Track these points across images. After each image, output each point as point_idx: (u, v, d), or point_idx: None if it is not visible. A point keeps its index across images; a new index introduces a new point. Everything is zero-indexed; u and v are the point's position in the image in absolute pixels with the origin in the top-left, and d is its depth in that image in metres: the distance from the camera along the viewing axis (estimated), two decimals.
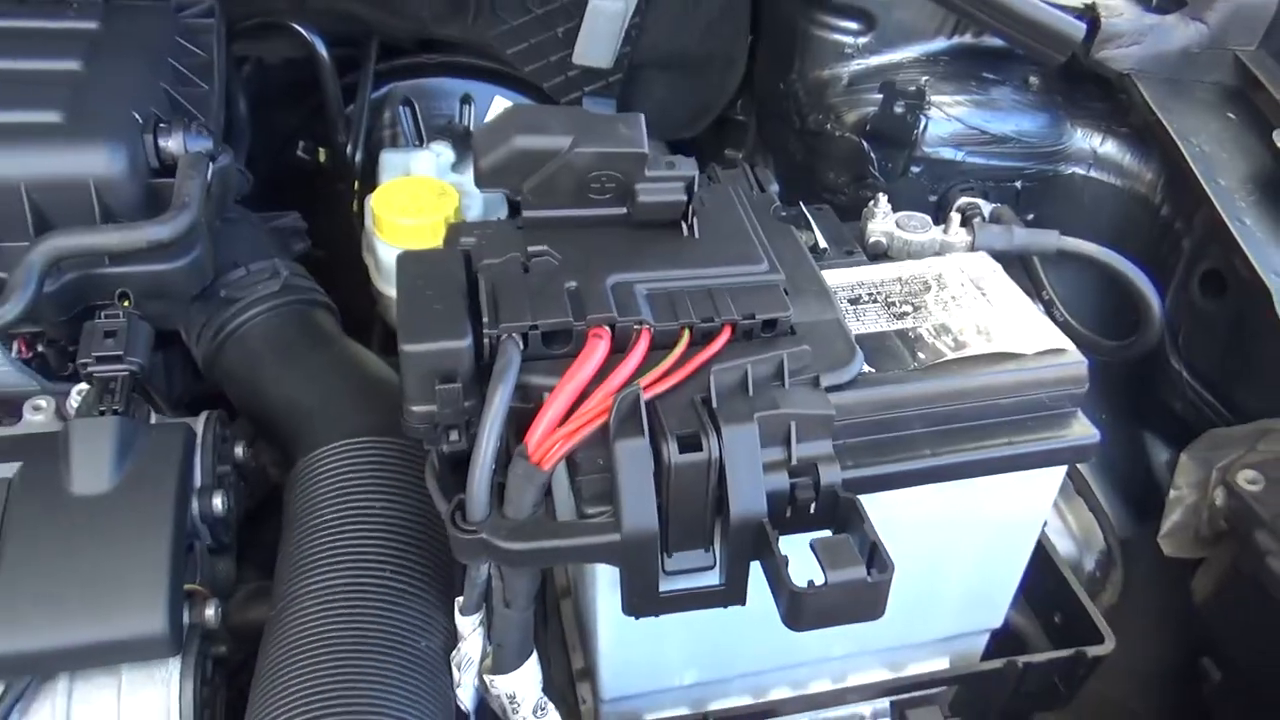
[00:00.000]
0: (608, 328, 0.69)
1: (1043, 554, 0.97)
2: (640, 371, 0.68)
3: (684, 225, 0.77)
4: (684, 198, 0.76)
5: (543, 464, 0.65)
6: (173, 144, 0.87)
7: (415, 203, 1.06)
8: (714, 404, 0.66)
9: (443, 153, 1.18)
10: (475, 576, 0.71)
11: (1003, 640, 0.96)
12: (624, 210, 0.77)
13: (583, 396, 0.67)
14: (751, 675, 0.87)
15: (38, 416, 0.81)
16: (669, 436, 0.64)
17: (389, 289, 1.08)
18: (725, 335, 0.70)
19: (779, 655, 0.85)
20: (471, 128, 1.30)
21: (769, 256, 0.77)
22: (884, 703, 0.90)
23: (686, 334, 0.70)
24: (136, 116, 0.85)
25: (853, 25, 1.14)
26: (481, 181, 0.75)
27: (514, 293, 0.70)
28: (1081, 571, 1.14)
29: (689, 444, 0.64)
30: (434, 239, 1.06)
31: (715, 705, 0.87)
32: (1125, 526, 1.12)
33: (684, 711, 0.86)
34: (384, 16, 1.23)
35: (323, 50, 1.20)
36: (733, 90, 1.36)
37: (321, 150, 1.29)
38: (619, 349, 0.69)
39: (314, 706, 0.64)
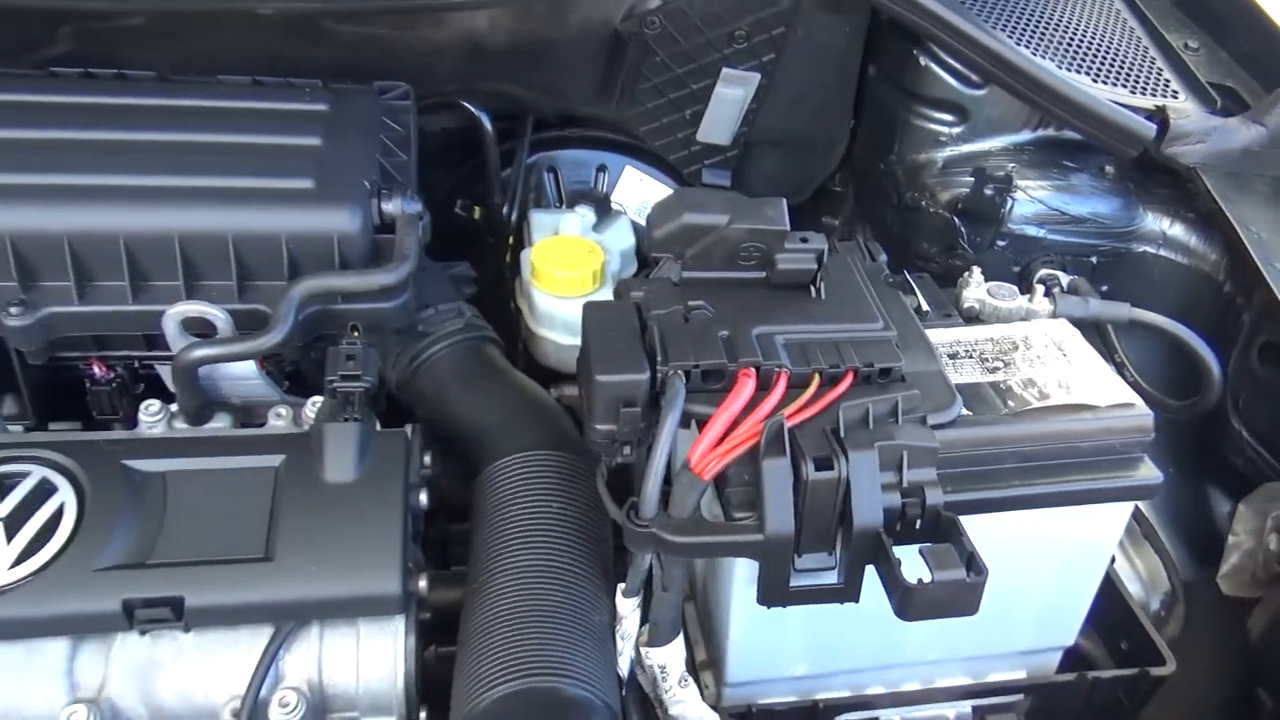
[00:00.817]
0: (754, 369, 0.85)
1: (1112, 588, 1.09)
2: (780, 406, 0.84)
3: (813, 288, 0.94)
4: (815, 266, 0.93)
5: (703, 475, 0.81)
6: (391, 207, 1.07)
7: (568, 257, 1.25)
8: (842, 434, 0.82)
9: (586, 215, 1.37)
10: (640, 565, 0.87)
11: (1074, 662, 1.08)
12: (764, 274, 0.94)
13: (734, 424, 0.84)
14: (853, 672, 1.01)
15: (279, 422, 1.01)
16: (807, 458, 0.80)
17: (542, 330, 1.26)
18: (849, 380, 0.86)
19: (878, 656, 0.99)
20: (606, 193, 1.50)
21: (883, 316, 0.93)
22: (966, 707, 1.03)
23: (817, 377, 0.86)
24: (366, 184, 1.06)
25: (948, 117, 1.31)
26: (653, 247, 0.93)
27: (678, 338, 0.87)
28: (1147, 610, 1.26)
29: (823, 464, 0.80)
30: (583, 289, 1.25)
31: (820, 696, 1.01)
32: (1188, 570, 1.24)
33: (793, 699, 1.01)
34: (539, 97, 1.43)
35: (488, 124, 1.41)
36: (834, 166, 1.53)
37: (476, 209, 1.49)
38: (761, 387, 0.85)
39: (519, 662, 0.81)
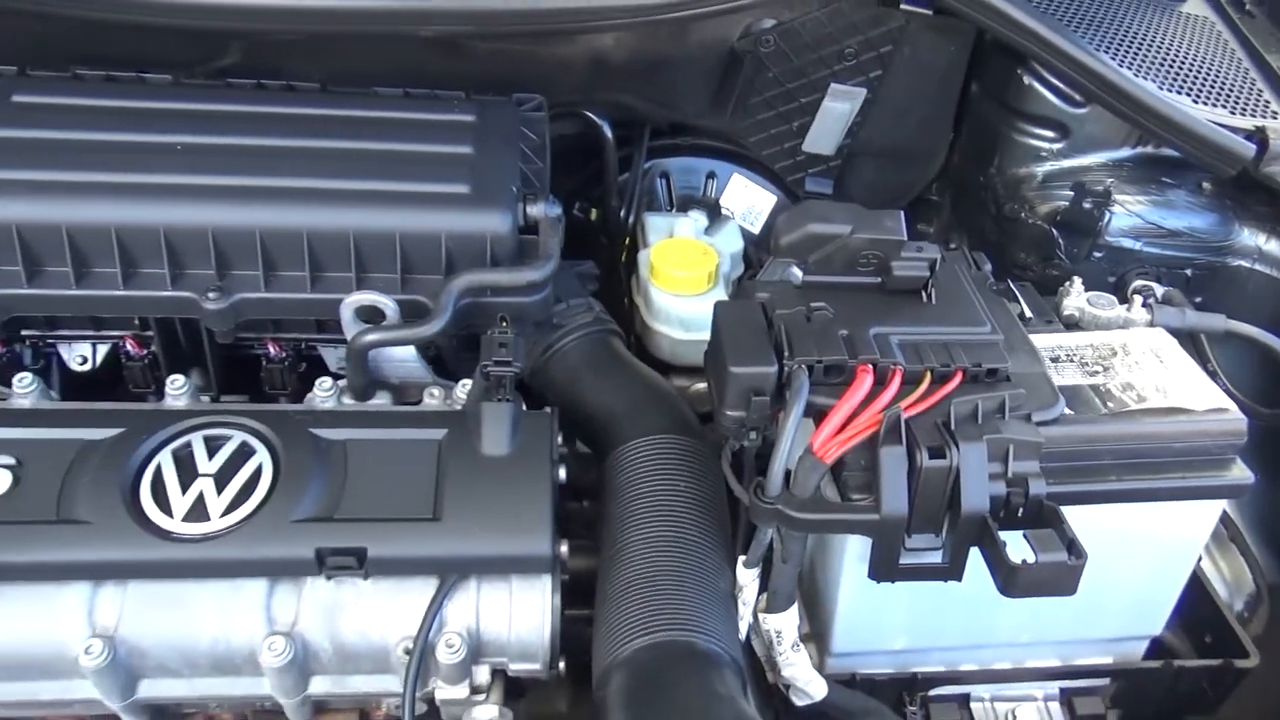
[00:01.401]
0: (871, 366, 0.94)
1: (1198, 585, 1.15)
2: (896, 400, 0.93)
3: (924, 294, 1.03)
4: (928, 273, 1.02)
5: (824, 459, 0.90)
6: (535, 210, 1.18)
7: (685, 258, 1.35)
8: (953, 426, 0.91)
9: (699, 219, 1.47)
10: (762, 538, 0.97)
11: (1159, 652, 1.14)
12: (879, 280, 1.03)
13: (853, 415, 0.93)
14: (948, 650, 1.09)
15: (433, 401, 1.13)
16: (921, 447, 0.89)
17: (658, 325, 1.36)
18: (958, 378, 0.94)
19: (973, 635, 1.07)
20: (715, 199, 1.60)
21: (990, 320, 1.01)
22: (1054, 688, 1.11)
23: (929, 375, 0.94)
24: (513, 189, 1.17)
25: (1049, 134, 1.36)
26: (779, 253, 1.03)
27: (802, 336, 0.96)
28: (1231, 610, 1.31)
29: (937, 453, 0.88)
30: (698, 288, 1.35)
31: (917, 669, 1.09)
32: (1273, 572, 1.28)
33: (890, 671, 1.09)
34: (656, 109, 1.53)
35: (608, 132, 1.51)
36: (932, 177, 1.60)
37: (593, 210, 1.60)
38: (878, 383, 0.94)
39: (656, 618, 0.91)
